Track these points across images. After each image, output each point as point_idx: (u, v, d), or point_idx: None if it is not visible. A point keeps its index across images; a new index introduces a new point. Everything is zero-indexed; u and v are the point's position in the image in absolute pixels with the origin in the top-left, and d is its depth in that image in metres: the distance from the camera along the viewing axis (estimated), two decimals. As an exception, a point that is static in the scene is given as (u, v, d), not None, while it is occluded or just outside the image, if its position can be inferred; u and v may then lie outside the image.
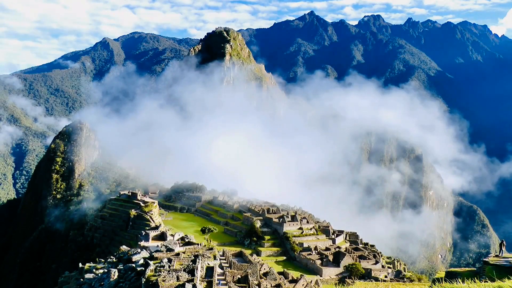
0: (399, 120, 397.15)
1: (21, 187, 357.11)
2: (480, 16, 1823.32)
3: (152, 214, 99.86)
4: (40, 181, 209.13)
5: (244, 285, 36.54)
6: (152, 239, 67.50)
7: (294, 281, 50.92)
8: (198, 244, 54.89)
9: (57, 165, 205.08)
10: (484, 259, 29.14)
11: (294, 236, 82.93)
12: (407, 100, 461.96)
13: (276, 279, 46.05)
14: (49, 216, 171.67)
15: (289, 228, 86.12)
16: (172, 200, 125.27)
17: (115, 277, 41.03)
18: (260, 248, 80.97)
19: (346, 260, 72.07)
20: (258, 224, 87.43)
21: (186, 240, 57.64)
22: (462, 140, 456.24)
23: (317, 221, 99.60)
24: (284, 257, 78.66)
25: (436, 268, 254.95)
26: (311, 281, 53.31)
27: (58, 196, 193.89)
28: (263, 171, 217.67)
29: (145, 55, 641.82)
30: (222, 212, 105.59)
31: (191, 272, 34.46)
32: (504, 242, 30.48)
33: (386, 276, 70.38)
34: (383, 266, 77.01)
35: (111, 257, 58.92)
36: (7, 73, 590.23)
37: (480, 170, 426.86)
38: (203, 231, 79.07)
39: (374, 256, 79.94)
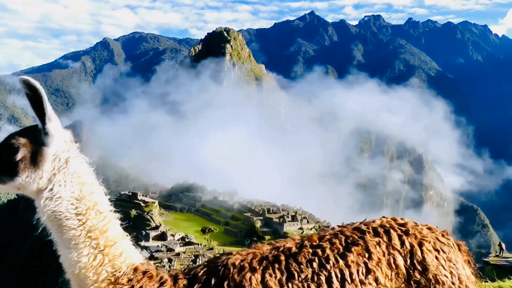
0: (399, 119, 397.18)
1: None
2: (480, 16, 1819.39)
3: (152, 214, 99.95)
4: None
5: (245, 285, 36.53)
6: (153, 239, 67.65)
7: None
8: (198, 244, 54.94)
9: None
10: (484, 259, 29.19)
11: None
12: (407, 100, 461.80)
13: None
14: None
15: (290, 228, 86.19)
16: (173, 200, 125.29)
17: (116, 277, 40.99)
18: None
19: (346, 260, 72.01)
20: (258, 224, 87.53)
21: (187, 240, 57.71)
22: (466, 143, 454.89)
23: (317, 221, 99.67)
24: (285, 257, 78.49)
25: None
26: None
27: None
28: (263, 170, 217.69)
29: (145, 55, 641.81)
30: (222, 212, 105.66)
31: (192, 272, 34.42)
32: (502, 244, 30.52)
33: (386, 276, 70.29)
34: (383, 266, 76.96)
35: (112, 257, 58.86)
36: (8, 73, 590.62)
37: (485, 173, 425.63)
38: (203, 231, 79.18)
39: (374, 256, 79.88)
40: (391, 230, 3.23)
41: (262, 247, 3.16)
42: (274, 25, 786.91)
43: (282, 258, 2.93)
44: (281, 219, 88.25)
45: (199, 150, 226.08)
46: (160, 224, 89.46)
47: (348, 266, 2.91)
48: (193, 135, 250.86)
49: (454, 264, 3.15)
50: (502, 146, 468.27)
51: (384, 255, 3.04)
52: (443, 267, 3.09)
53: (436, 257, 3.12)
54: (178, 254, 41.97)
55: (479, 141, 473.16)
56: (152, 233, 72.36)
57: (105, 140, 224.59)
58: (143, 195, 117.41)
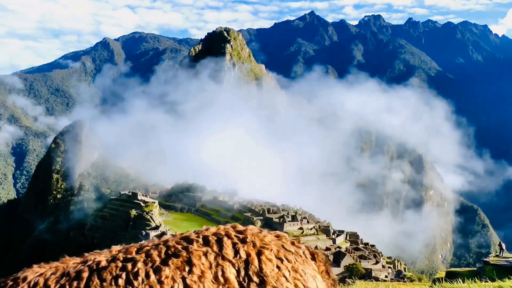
0: (399, 119, 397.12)
1: (22, 187, 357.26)
2: (480, 16, 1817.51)
3: (152, 214, 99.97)
4: (41, 181, 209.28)
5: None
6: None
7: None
8: (198, 244, 54.98)
9: (58, 165, 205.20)
10: (484, 259, 29.16)
11: (295, 236, 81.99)
12: (408, 100, 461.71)
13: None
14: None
15: (290, 228, 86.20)
16: (173, 200, 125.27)
17: (116, 277, 41.04)
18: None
19: (347, 260, 72.11)
20: (258, 224, 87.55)
21: (186, 240, 57.80)
22: (466, 143, 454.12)
23: (317, 221, 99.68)
24: (285, 257, 78.46)
25: (436, 268, 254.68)
26: (311, 281, 53.23)
27: (59, 196, 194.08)
28: (263, 170, 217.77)
29: (145, 55, 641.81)
30: (222, 212, 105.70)
31: (191, 272, 34.45)
32: (502, 243, 30.51)
33: (386, 276, 70.39)
34: (383, 266, 77.09)
35: (112, 257, 58.93)
36: (8, 73, 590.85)
37: (485, 173, 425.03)
38: (203, 231, 79.03)
39: (375, 256, 79.98)
40: (225, 238, 2.78)
41: (69, 260, 2.78)
42: (274, 25, 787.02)
43: (85, 274, 2.56)
44: (281, 219, 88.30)
45: (199, 150, 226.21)
46: (160, 224, 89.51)
47: (160, 283, 2.51)
48: (193, 135, 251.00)
49: (301, 276, 2.73)
50: (502, 147, 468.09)
51: (210, 268, 2.62)
52: (286, 278, 2.68)
53: (278, 267, 2.69)
54: (178, 254, 42.33)
55: (480, 141, 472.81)
56: (152, 233, 72.43)
57: (105, 140, 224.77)
58: (143, 195, 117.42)
